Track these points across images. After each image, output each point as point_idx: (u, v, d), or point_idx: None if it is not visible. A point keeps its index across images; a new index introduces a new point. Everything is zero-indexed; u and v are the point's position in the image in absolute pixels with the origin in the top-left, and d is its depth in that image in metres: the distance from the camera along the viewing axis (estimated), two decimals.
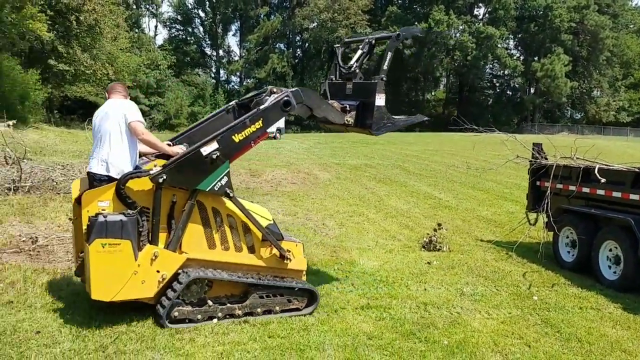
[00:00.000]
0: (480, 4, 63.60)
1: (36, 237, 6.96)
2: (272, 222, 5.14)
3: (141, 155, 5.09)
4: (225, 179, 4.74)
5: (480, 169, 14.68)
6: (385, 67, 5.48)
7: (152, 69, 51.76)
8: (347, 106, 5.55)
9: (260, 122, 4.86)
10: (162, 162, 4.76)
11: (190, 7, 66.42)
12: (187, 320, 4.60)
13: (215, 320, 4.70)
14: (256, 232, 4.96)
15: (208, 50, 68.46)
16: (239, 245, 4.95)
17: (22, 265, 5.99)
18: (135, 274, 4.36)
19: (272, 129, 32.20)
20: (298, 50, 68.02)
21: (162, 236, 4.60)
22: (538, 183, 7.55)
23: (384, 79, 5.43)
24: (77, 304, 4.93)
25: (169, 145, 5.15)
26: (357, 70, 5.78)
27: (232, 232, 4.91)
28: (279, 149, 23.22)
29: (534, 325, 5.00)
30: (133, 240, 4.31)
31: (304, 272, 5.33)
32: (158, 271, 4.47)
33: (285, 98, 4.99)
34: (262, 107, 4.95)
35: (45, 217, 8.23)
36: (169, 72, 55.59)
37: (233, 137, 4.74)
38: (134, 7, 58.29)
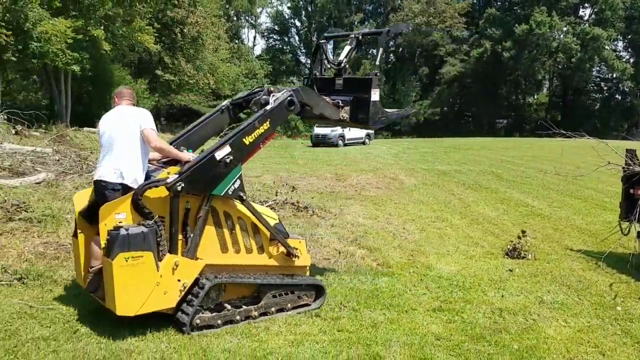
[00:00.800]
0: (586, 4, 59.76)
1: None
2: (278, 221, 5.20)
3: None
4: (239, 182, 4.72)
5: (569, 175, 13.90)
6: (378, 62, 5.72)
7: (249, 78, 54.09)
8: (340, 102, 5.59)
9: (267, 122, 4.88)
10: (174, 169, 4.61)
11: (287, 17, 68.75)
12: (207, 327, 4.57)
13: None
14: (265, 232, 4.97)
15: (302, 59, 70.33)
16: (249, 246, 4.95)
17: None
18: (158, 285, 4.30)
19: (361, 133, 32.13)
20: (391, 55, 67.85)
21: (179, 244, 4.55)
22: (631, 191, 7.09)
23: (378, 74, 5.57)
24: None
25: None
26: (347, 66, 5.80)
27: (242, 234, 4.90)
28: (367, 154, 23.36)
29: (612, 335, 4.79)
30: (154, 251, 4.25)
31: (308, 268, 5.43)
32: (179, 280, 4.42)
33: (290, 98, 5.03)
34: (268, 107, 4.96)
35: None
36: (266, 80, 57.79)
37: (244, 139, 4.75)
38: (235, 19, 61.35)
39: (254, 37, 71.35)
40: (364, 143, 31.67)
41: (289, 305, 5.06)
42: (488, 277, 6.50)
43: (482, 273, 6.65)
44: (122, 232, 4.10)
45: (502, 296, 5.80)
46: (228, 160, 4.58)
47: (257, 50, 68.47)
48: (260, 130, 4.84)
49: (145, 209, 4.30)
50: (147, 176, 4.72)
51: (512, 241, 7.79)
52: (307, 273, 5.43)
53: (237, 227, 4.86)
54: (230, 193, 4.67)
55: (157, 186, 4.37)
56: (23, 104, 23.57)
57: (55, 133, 14.81)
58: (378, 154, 23.66)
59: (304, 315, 5.02)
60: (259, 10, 66.61)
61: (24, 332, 4.36)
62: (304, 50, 69.89)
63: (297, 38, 69.91)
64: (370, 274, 6.38)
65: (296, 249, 5.16)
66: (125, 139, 4.68)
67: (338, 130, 28.56)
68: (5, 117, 13.33)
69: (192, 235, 4.52)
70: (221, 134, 5.53)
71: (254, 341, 4.44)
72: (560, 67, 57.98)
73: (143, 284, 4.21)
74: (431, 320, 5.03)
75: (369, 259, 7.12)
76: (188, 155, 4.79)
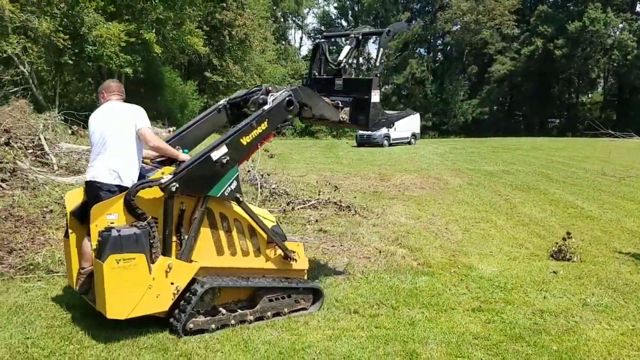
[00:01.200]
0: None
1: None
2: (275, 223, 5.11)
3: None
4: (235, 183, 4.59)
5: (617, 176, 13.39)
6: (378, 63, 5.58)
7: (295, 78, 54.63)
8: (339, 102, 5.46)
9: (265, 123, 4.78)
10: (169, 169, 4.43)
11: (333, 17, 68.98)
12: (201, 331, 4.47)
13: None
14: (262, 234, 4.86)
15: None
16: (246, 249, 4.83)
17: None
18: (150, 288, 4.17)
19: (407, 133, 31.88)
20: (439, 54, 66.95)
21: (173, 246, 4.41)
22: None
23: (379, 75, 5.41)
24: None
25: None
26: (347, 66, 5.66)
27: (239, 236, 4.78)
28: (412, 154, 23.23)
29: None
30: (147, 253, 4.12)
31: (306, 271, 5.29)
32: (172, 283, 4.29)
33: (289, 98, 4.93)
34: (266, 107, 4.84)
35: None
36: None
37: (241, 140, 4.64)
38: (282, 20, 62.08)
39: (301, 38, 72.24)
40: (409, 143, 31.47)
41: (285, 309, 4.95)
42: (531, 278, 6.41)
43: (525, 274, 6.56)
44: (114, 233, 3.99)
45: (544, 298, 5.72)
46: (224, 161, 4.47)
47: (304, 51, 69.08)
48: (258, 130, 4.73)
49: (138, 210, 4.17)
50: (141, 176, 4.57)
51: (557, 243, 7.64)
52: (305, 277, 5.31)
53: (234, 229, 4.74)
54: (227, 194, 4.54)
55: (150, 186, 4.22)
56: (79, 105, 24.63)
57: None
58: (423, 154, 23.48)
59: (342, 311, 5.12)
60: (305, 11, 67.27)
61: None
62: None
63: (343, 39, 70.05)
64: (410, 273, 6.41)
65: (294, 252, 5.05)
66: (119, 138, 4.50)
67: (383, 130, 28.47)
68: (62, 117, 14.01)
69: (186, 237, 4.39)
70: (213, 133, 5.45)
71: (293, 334, 4.58)
72: (615, 65, 55.67)
73: (134, 286, 4.10)
74: (470, 320, 5.03)
75: (410, 258, 7.14)
76: (185, 156, 4.69)
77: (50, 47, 21.73)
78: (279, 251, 4.97)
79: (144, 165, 4.79)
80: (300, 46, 68.72)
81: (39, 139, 10.96)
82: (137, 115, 4.60)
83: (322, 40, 6.15)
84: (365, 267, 6.64)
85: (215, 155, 4.43)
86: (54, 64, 23.01)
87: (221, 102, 5.46)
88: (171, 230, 4.31)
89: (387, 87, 63.42)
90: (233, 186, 4.56)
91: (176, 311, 4.37)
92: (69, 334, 4.40)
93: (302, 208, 9.87)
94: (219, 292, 4.59)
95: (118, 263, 3.97)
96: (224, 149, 4.47)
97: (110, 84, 4.92)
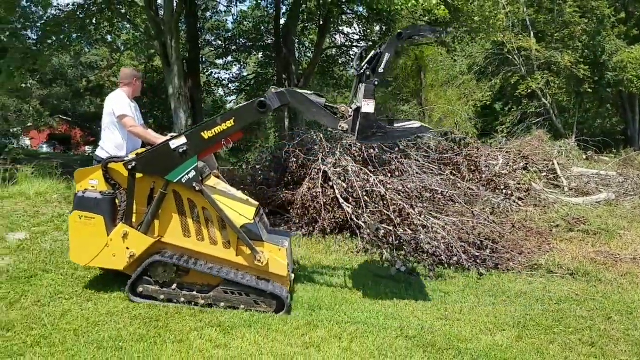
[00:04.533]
0: None
1: None
2: (251, 221, 5.10)
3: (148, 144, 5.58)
4: (193, 172, 4.89)
5: None
6: (380, 70, 4.90)
7: None
8: (351, 110, 5.04)
9: (231, 121, 4.90)
10: (140, 150, 5.27)
11: None
12: (149, 297, 4.95)
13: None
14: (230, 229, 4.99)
15: None
16: (214, 238, 5.05)
17: None
18: (108, 247, 4.88)
19: None
20: None
21: (141, 218, 4.97)
22: None
23: (377, 83, 4.93)
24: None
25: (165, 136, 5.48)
26: (369, 72, 5.02)
27: (207, 224, 5.05)
28: None
29: None
30: (106, 216, 4.86)
31: (287, 278, 5.11)
32: (128, 248, 4.90)
33: (261, 99, 4.97)
34: (235, 107, 4.64)
35: None
36: None
37: (202, 134, 4.91)
38: None
39: None
40: None
41: (242, 306, 4.96)
42: None
43: None
44: (79, 194, 4.92)
45: None
46: (181, 150, 4.85)
47: None
48: (222, 127, 4.93)
49: (111, 180, 5.02)
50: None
51: None
52: (286, 283, 5.12)
53: (202, 217, 5.03)
54: (184, 182, 4.88)
55: (116, 162, 5.00)
56: (598, 130, 25.06)
57: (622, 157, 15.46)
58: None
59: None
60: None
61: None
62: None
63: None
64: None
65: (262, 252, 4.99)
66: (106, 122, 5.56)
67: None
68: (578, 144, 15.05)
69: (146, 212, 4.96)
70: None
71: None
72: None
73: (92, 241, 4.88)
74: None
75: None
76: (155, 138, 5.47)
77: (571, 78, 23.20)
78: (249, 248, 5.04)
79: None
80: None
81: (553, 163, 12.42)
82: (115, 103, 5.51)
83: (362, 46, 5.96)
84: None
85: (174, 144, 4.89)
86: (573, 94, 24.39)
87: (242, 103, 5.81)
88: (131, 203, 4.95)
89: None
90: (191, 175, 4.90)
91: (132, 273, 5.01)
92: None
93: None
94: (183, 270, 5.01)
95: (80, 219, 4.87)
96: (182, 140, 4.90)
97: (122, 72, 5.86)
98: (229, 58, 24.15)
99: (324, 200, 7.69)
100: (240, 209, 5.27)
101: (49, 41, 15.27)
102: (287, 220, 8.20)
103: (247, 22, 23.30)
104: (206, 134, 4.94)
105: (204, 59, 23.89)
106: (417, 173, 8.09)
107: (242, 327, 4.56)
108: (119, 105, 5.51)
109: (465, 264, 6.67)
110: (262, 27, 22.06)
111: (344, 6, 15.53)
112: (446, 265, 6.71)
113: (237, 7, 22.86)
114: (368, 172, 7.73)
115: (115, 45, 20.75)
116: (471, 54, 25.55)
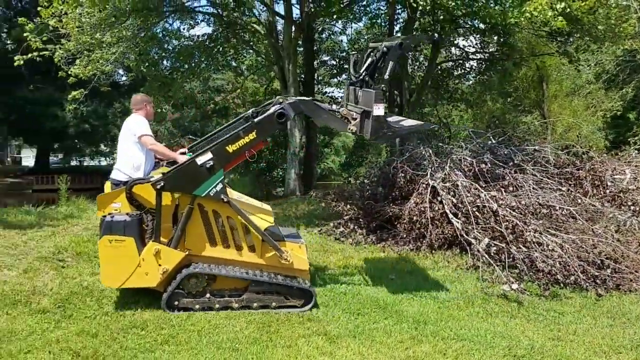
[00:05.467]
0: None
1: None
2: (272, 224, 5.52)
3: (161, 160, 5.78)
4: (220, 185, 5.10)
5: None
6: (386, 76, 5.38)
7: None
8: (355, 114, 5.48)
9: (253, 133, 5.17)
10: (166, 169, 5.31)
11: None
12: (185, 309, 5.14)
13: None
14: (254, 233, 5.26)
15: None
16: (240, 244, 5.32)
17: None
18: (140, 267, 4.99)
19: None
20: None
21: (169, 235, 5.14)
22: None
23: (384, 88, 5.47)
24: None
25: (183, 153, 5.64)
26: (367, 78, 5.53)
27: (232, 232, 5.29)
28: None
29: None
30: (136, 237, 4.98)
31: (308, 272, 5.55)
32: (160, 265, 5.03)
33: (280, 110, 5.24)
34: (256, 119, 5.29)
35: None
36: None
37: (227, 147, 5.13)
38: None
39: None
40: None
41: (273, 303, 5.29)
42: None
43: None
44: (108, 218, 4.98)
45: None
46: (208, 166, 5.03)
47: None
48: (245, 140, 5.16)
49: (135, 201, 5.13)
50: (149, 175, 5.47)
51: None
52: (308, 277, 5.55)
53: (227, 225, 5.27)
54: (212, 195, 5.09)
55: (142, 183, 5.11)
56: None
57: None
58: None
59: None
60: None
61: None
62: None
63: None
64: None
65: (287, 251, 5.33)
66: (125, 145, 5.58)
67: None
68: None
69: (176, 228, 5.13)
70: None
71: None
72: None
73: (124, 263, 4.97)
74: None
75: None
76: (182, 157, 5.37)
77: None
78: (274, 249, 5.32)
79: (160, 163, 5.83)
80: None
81: None
82: (135, 124, 5.56)
83: (353, 52, 5.87)
84: None
85: (200, 160, 5.06)
86: None
87: (248, 111, 5.88)
88: (160, 221, 5.10)
89: None
90: (218, 188, 5.11)
91: (167, 288, 5.15)
92: None
93: None
94: (207, 278, 5.20)
95: (110, 243, 4.94)
96: (208, 155, 5.08)
97: (133, 98, 5.91)
98: (344, 76, 24.73)
99: (432, 215, 7.65)
100: (260, 214, 5.69)
101: (181, 69, 16.81)
102: (394, 234, 8.27)
103: (362, 40, 23.77)
104: (231, 148, 5.16)
105: (319, 78, 24.73)
106: (533, 188, 7.75)
107: (347, 336, 4.73)
108: (139, 125, 5.57)
109: (583, 283, 6.30)
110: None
111: (459, 20, 15.34)
112: (562, 285, 6.39)
113: (351, 27, 23.08)
114: (479, 187, 7.57)
115: (239, 70, 22.17)
116: (600, 61, 23.68)
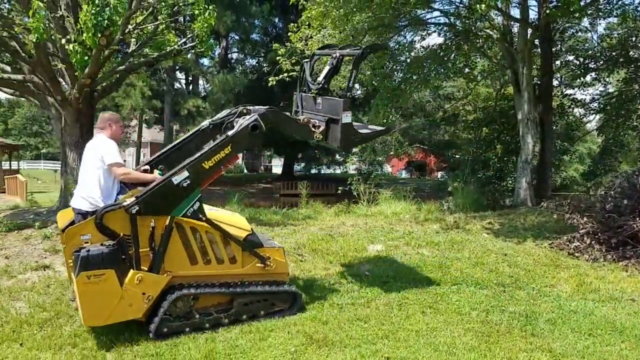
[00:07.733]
0: None
1: None
2: (250, 231, 5.38)
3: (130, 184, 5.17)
4: (197, 204, 4.93)
5: None
6: (351, 84, 5.56)
7: None
8: (317, 121, 5.54)
9: (229, 148, 5.03)
10: (137, 191, 4.85)
11: None
12: (176, 334, 4.81)
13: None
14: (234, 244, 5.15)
15: None
16: (220, 257, 5.14)
17: None
18: (123, 299, 4.56)
19: None
20: None
21: (147, 259, 4.75)
22: None
23: (349, 96, 5.51)
24: None
25: (145, 171, 5.35)
26: (326, 86, 5.63)
27: (212, 246, 5.08)
28: None
29: None
30: (116, 268, 4.50)
31: (287, 274, 5.54)
32: (144, 293, 4.65)
33: (254, 123, 5.12)
34: (230, 133, 5.11)
35: None
36: None
37: (203, 164, 4.93)
38: None
39: None
40: None
41: (261, 312, 5.27)
42: None
43: None
44: (83, 253, 4.38)
45: None
46: (185, 185, 4.79)
47: None
48: (221, 155, 5.01)
49: (108, 230, 4.59)
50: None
51: None
52: (287, 279, 5.52)
53: (206, 240, 5.04)
54: (189, 214, 4.89)
55: (114, 210, 4.63)
56: None
57: None
58: None
59: None
60: None
61: None
62: None
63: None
64: None
65: (269, 257, 5.29)
66: (92, 171, 5.04)
67: None
68: None
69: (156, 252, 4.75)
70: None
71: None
72: None
73: (106, 298, 4.50)
74: None
75: None
76: (152, 177, 5.08)
77: None
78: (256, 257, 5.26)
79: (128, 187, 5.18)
80: None
81: None
82: (104, 151, 5.02)
83: (305, 60, 6.24)
84: None
85: (177, 179, 4.79)
86: None
87: (204, 122, 5.65)
88: (138, 247, 4.69)
89: None
90: (195, 207, 4.92)
91: (151, 317, 4.77)
92: None
93: None
94: (193, 298, 4.92)
95: (89, 279, 4.39)
96: (185, 174, 4.81)
97: (101, 116, 5.34)
98: (588, 77, 22.30)
99: None
100: (236, 223, 5.48)
101: (412, 80, 17.29)
102: (639, 253, 7.25)
103: (614, 35, 21.16)
104: (207, 164, 4.94)
105: (560, 80, 22.81)
106: None
107: (574, 356, 4.58)
108: (109, 152, 5.04)
109: None
110: (631, 41, 19.62)
111: None
112: None
113: (598, 23, 20.56)
114: None
115: (472, 76, 21.82)
116: None
